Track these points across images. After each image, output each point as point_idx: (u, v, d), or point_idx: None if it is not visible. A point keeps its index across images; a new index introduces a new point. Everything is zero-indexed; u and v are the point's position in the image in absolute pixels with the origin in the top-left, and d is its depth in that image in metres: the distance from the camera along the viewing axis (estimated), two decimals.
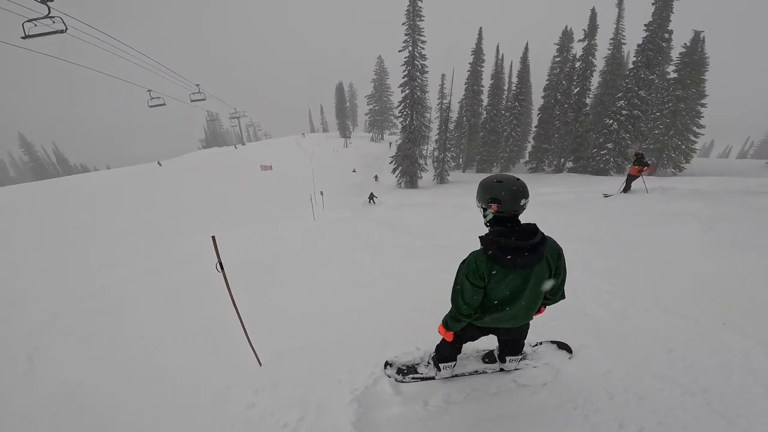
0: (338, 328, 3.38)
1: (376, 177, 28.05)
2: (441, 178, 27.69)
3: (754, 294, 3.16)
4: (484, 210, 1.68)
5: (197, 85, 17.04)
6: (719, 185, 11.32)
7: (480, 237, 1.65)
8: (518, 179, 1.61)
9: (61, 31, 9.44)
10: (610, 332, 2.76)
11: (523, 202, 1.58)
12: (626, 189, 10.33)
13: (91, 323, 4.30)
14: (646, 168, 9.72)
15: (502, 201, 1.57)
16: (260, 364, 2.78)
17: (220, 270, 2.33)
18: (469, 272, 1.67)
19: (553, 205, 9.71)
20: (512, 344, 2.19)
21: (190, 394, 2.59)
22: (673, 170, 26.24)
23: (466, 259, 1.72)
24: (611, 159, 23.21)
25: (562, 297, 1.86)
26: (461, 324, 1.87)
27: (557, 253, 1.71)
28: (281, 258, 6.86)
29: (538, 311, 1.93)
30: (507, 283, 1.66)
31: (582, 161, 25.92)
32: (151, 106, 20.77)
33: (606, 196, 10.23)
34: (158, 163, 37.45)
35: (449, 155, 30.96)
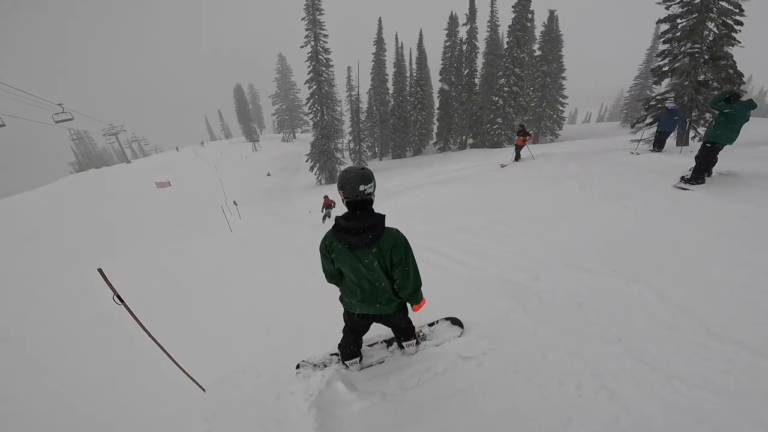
0: (279, 339, 3.28)
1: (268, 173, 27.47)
2: None
3: (628, 239, 3.74)
4: (340, 196, 1.87)
5: (60, 104, 14.17)
6: (587, 147, 13.69)
7: (335, 216, 1.90)
8: (362, 170, 1.79)
9: None
10: (528, 293, 3.06)
11: (362, 188, 1.77)
12: (517, 158, 11.80)
13: None
14: (528, 138, 11.22)
15: (344, 188, 1.78)
16: (203, 389, 2.60)
17: (119, 302, 2.16)
18: (321, 244, 1.97)
19: (461, 180, 10.60)
20: (398, 330, 2.41)
21: None
22: (551, 137, 30.79)
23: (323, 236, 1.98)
24: (502, 132, 26.15)
25: (413, 298, 2.02)
26: (331, 282, 2.13)
27: (390, 246, 1.84)
28: (202, 278, 6.38)
29: (412, 307, 2.11)
30: (346, 262, 1.91)
31: (479, 137, 28.67)
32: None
33: (503, 166, 11.54)
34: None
35: (365, 145, 31.25)
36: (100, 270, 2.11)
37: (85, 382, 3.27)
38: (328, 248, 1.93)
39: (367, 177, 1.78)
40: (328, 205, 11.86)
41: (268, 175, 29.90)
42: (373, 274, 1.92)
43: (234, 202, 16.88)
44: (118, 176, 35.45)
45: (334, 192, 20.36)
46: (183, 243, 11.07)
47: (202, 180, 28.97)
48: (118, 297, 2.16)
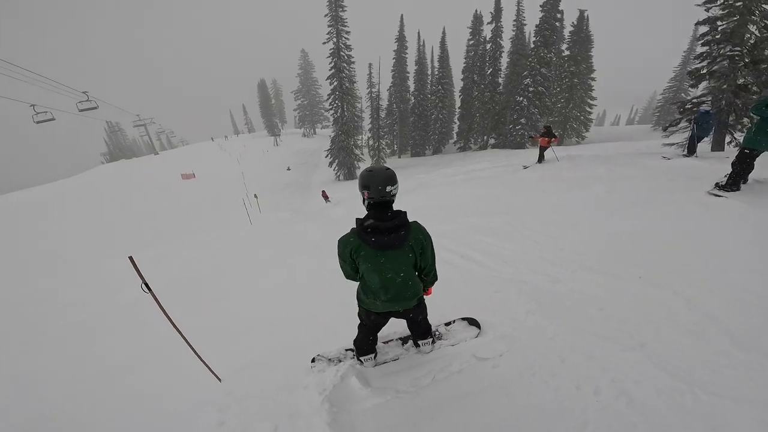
0: (293, 333, 3.31)
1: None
2: None
3: (655, 245, 3.61)
4: (362, 196, 1.85)
5: (84, 92, 14.95)
6: (615, 150, 13.18)
7: (356, 218, 1.86)
8: (387, 170, 1.79)
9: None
10: (548, 296, 2.99)
11: (389, 188, 1.77)
12: (540, 159, 11.53)
13: (18, 365, 3.92)
14: (554, 139, 10.93)
15: (371, 188, 1.76)
16: (219, 380, 2.66)
17: (147, 290, 2.23)
18: (339, 247, 1.90)
19: (481, 180, 10.45)
20: (416, 326, 2.40)
21: (152, 421, 2.44)
22: (576, 139, 29.88)
23: (340, 238, 1.90)
24: (525, 133, 25.62)
25: (435, 279, 2.14)
26: (352, 279, 2.08)
27: (420, 239, 1.90)
28: (222, 270, 6.55)
29: (426, 291, 2.20)
30: (376, 266, 1.86)
31: (502, 137, 28.17)
32: (38, 122, 18.33)
33: (525, 167, 11.29)
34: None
35: (384, 142, 31.28)
36: (131, 258, 2.16)
37: (103, 370, 3.39)
38: (351, 254, 1.87)
39: (393, 178, 1.78)
40: (326, 197, 16.65)
41: (288, 169, 30.49)
42: (402, 273, 1.89)
43: (255, 195, 17.32)
44: (146, 167, 37.02)
45: (347, 189, 20.55)
46: (205, 234, 11.48)
47: (225, 172, 29.85)
48: (146, 285, 2.21)
